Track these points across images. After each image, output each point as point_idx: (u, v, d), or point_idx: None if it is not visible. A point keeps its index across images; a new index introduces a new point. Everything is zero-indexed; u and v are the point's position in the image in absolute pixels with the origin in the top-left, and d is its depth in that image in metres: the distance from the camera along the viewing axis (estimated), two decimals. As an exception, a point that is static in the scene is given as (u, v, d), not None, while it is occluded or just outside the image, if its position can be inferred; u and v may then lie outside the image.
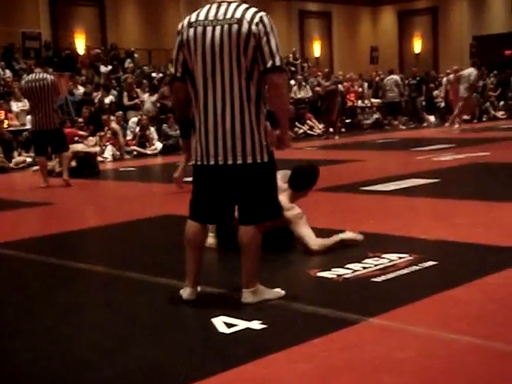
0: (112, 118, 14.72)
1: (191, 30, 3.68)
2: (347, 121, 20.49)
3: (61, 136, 10.05)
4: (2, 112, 14.02)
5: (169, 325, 3.53)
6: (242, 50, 3.57)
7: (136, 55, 20.82)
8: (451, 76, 18.59)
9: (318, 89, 19.25)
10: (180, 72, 3.78)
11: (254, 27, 3.56)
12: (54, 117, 9.75)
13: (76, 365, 3.04)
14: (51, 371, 3.00)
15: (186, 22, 3.74)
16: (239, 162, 3.64)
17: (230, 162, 3.66)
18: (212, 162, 3.69)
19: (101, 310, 3.87)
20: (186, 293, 3.85)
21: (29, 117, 14.32)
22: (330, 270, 4.32)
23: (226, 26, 3.60)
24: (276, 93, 3.64)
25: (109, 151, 13.90)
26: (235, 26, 3.58)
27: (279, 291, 3.87)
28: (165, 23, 22.86)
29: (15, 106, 14.73)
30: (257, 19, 3.58)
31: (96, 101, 15.80)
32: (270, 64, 3.57)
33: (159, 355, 3.10)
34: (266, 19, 3.61)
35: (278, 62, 3.58)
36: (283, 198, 4.92)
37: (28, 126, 14.06)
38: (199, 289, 3.90)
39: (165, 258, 5.06)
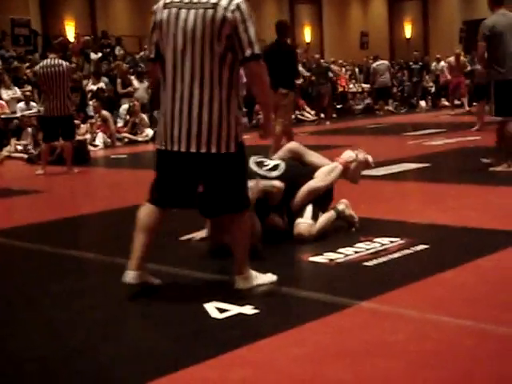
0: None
1: (165, 12, 3.61)
2: (338, 106, 20.48)
3: (72, 123, 10.15)
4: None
5: (161, 310, 3.53)
6: (216, 36, 3.48)
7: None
8: (451, 58, 18.00)
9: (306, 74, 19.26)
10: (154, 53, 3.72)
11: (229, 14, 3.47)
12: (68, 103, 9.80)
13: (70, 352, 3.04)
14: (44, 359, 2.99)
15: (161, 2, 3.67)
16: (203, 150, 3.54)
17: (193, 149, 3.55)
18: (175, 149, 3.59)
19: (93, 297, 3.86)
20: (128, 276, 3.71)
21: (20, 104, 14.29)
22: (322, 255, 4.32)
23: (200, 11, 3.51)
24: (257, 82, 3.59)
25: (100, 138, 13.84)
26: (210, 12, 3.49)
27: (271, 276, 3.86)
28: (154, 9, 22.69)
29: (5, 94, 14.63)
30: (233, 6, 3.49)
31: (90, 88, 15.74)
32: (248, 53, 3.49)
33: (152, 341, 3.10)
34: (243, 6, 3.52)
35: (256, 51, 3.50)
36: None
37: (18, 114, 13.99)
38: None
39: (156, 244, 5.04)
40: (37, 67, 10.19)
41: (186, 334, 3.18)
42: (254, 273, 3.79)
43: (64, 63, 9.81)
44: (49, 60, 9.75)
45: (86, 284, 4.16)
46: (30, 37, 18.58)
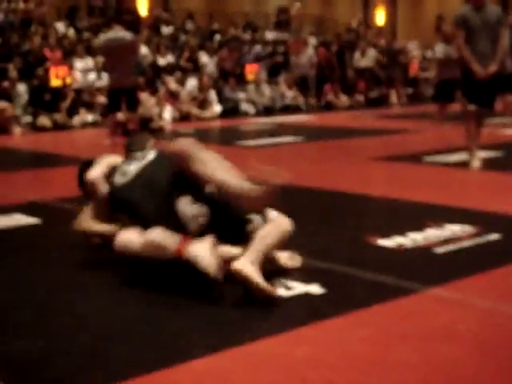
0: (171, 78, 14.77)
1: None
2: (409, 90, 20.06)
3: (135, 95, 10.22)
4: (66, 69, 14.10)
5: (229, 285, 3.52)
6: None
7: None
8: None
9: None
10: None
11: None
12: (130, 76, 9.87)
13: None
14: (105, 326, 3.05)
15: None
16: None
17: None
18: None
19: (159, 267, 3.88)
20: None
21: (92, 75, 14.50)
22: (389, 238, 4.26)
23: None
24: None
25: (168, 112, 13.93)
26: None
27: None
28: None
29: (79, 64, 14.84)
30: None
31: (160, 62, 15.87)
32: None
33: (219, 314, 3.11)
34: None
35: None
36: None
37: (90, 84, 14.19)
38: None
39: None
40: (101, 39, 10.24)
41: (252, 309, 3.17)
42: None
43: (128, 35, 9.82)
44: (113, 32, 9.81)
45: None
46: (104, 9, 18.83)
